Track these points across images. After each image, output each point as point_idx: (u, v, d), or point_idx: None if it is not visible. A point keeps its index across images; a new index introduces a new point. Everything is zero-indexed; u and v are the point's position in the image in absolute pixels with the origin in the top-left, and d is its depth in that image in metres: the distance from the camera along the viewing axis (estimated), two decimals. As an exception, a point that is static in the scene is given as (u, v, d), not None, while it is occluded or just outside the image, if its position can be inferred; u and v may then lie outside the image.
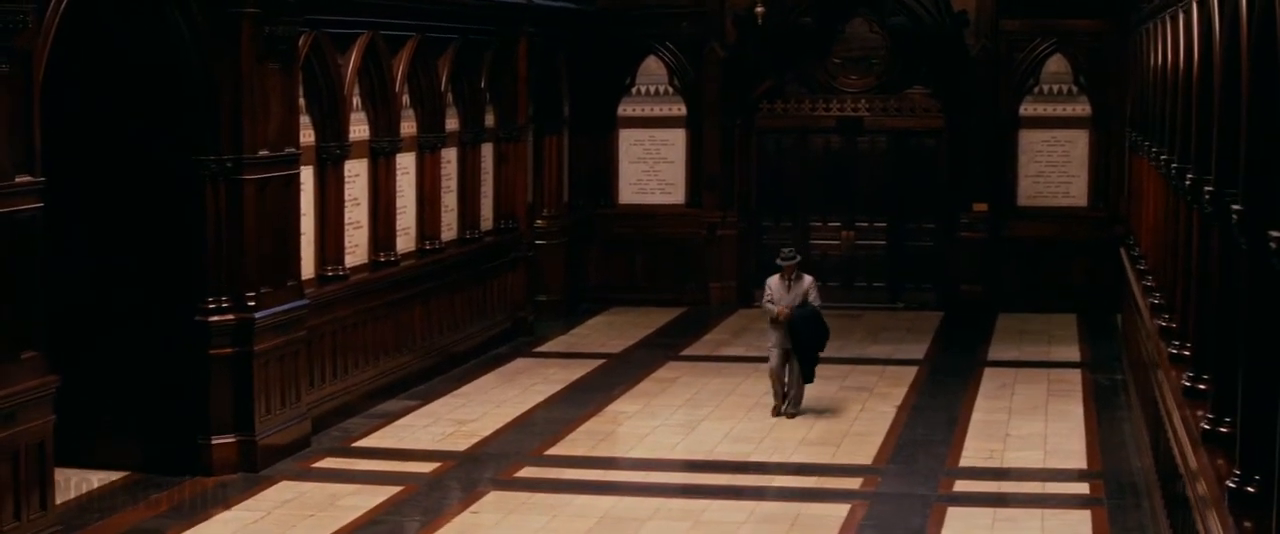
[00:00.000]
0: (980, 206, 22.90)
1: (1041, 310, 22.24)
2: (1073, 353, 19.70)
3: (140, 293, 13.77)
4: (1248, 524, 8.38)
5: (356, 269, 16.75)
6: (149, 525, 12.46)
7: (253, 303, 13.98)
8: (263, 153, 14.10)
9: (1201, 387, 10.95)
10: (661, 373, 18.81)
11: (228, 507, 13.02)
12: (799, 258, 16.30)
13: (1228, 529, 8.54)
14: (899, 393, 17.46)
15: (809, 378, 16.15)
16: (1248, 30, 7.86)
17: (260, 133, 14.05)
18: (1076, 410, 16.31)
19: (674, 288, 23.77)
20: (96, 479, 13.56)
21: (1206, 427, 10.10)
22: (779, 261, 16.17)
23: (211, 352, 13.81)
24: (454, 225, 19.47)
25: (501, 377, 18.61)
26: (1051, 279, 22.64)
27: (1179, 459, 10.81)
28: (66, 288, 13.33)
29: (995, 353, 19.86)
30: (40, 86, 11.02)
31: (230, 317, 13.90)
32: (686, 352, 20.28)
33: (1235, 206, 7.70)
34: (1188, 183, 10.22)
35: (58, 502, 11.75)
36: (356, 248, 16.87)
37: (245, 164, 13.89)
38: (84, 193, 13.59)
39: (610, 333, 21.66)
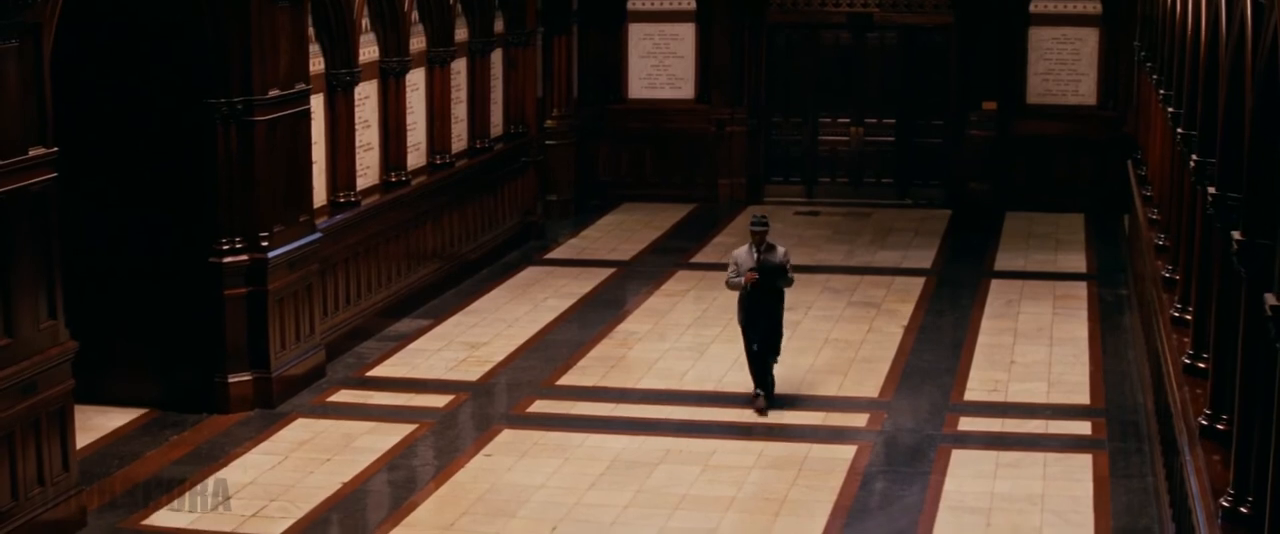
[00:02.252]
0: (989, 105, 22.91)
1: (1049, 209, 22.36)
2: (1079, 261, 19.84)
3: (156, 236, 13.92)
4: (1216, 457, 8.67)
5: (367, 191, 16.87)
6: (169, 473, 12.72)
7: (266, 243, 14.13)
8: (273, 92, 14.16)
9: (1187, 317, 11.19)
10: (671, 285, 18.98)
11: (245, 450, 13.26)
12: (769, 226, 14.25)
13: (1197, 460, 8.84)
14: (906, 310, 17.63)
15: (774, 354, 14.34)
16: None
17: (270, 73, 14.09)
18: (1081, 334, 16.47)
19: (683, 184, 23.88)
20: (116, 419, 13.83)
21: (1187, 361, 10.38)
22: (751, 227, 14.17)
23: (226, 292, 13.99)
24: (464, 136, 19.55)
25: (512, 290, 18.78)
26: (1059, 178, 22.73)
27: (1170, 398, 11.06)
28: (84, 234, 13.53)
29: (1002, 261, 20.00)
30: (50, 56, 11.06)
31: (243, 257, 14.06)
32: (696, 258, 20.43)
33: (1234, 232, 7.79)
34: (1192, 164, 10.29)
35: (78, 445, 11.98)
36: (368, 170, 16.97)
37: (256, 106, 13.96)
38: (98, 140, 13.68)
39: (620, 235, 21.79)
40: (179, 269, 13.91)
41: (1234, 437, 8.04)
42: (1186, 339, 10.89)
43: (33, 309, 10.92)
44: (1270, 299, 6.55)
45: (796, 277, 18.91)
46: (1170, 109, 12.90)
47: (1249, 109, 8.03)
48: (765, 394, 14.24)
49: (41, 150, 10.97)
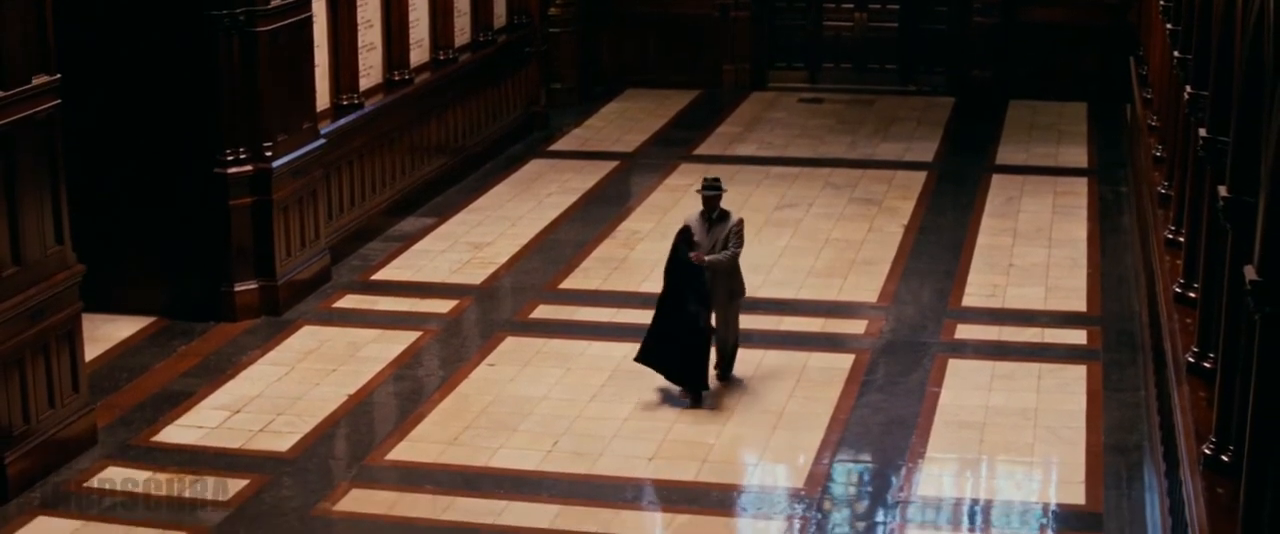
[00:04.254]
0: (994, -11, 22.84)
1: (1052, 98, 22.34)
2: (1080, 156, 19.88)
3: (162, 148, 14.03)
4: (1202, 395, 8.87)
5: (370, 92, 16.92)
6: (177, 387, 12.94)
7: (270, 152, 14.24)
8: (275, 1, 14.18)
9: (1180, 240, 11.32)
10: (674, 179, 19.07)
11: (252, 361, 13.47)
12: (725, 189, 12.76)
13: (1182, 399, 9.04)
14: (907, 208, 17.73)
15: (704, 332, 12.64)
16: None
17: (271, -19, 14.13)
18: (1080, 235, 16.58)
19: (687, 70, 23.85)
20: (125, 328, 14.03)
21: (1177, 290, 10.55)
22: (702, 191, 12.66)
23: (231, 202, 14.12)
24: (466, 30, 19.53)
25: (515, 185, 18.89)
26: (1063, 66, 22.66)
27: (1162, 324, 11.22)
28: (91, 148, 13.68)
29: (1004, 155, 20.05)
30: (53, -18, 11.12)
31: (248, 167, 14.18)
32: (699, 150, 20.50)
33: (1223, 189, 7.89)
34: (1187, 95, 10.35)
35: (88, 356, 12.20)
36: (371, 70, 17.02)
37: (258, 16, 13.99)
38: (101, 58, 13.73)
39: (624, 124, 21.84)
40: (185, 181, 14.03)
41: (1218, 383, 8.20)
42: (1179, 262, 11.02)
43: (40, 236, 11.07)
44: (1250, 272, 6.67)
45: (800, 171, 19.23)
46: (1169, 25, 12.91)
47: (1238, 58, 8.09)
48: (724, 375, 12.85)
49: (45, 78, 11.04)
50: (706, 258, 12.41)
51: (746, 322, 14.23)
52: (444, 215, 17.64)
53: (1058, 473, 11.38)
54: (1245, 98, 7.77)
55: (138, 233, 14.15)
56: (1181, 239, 11.19)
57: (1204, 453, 8.05)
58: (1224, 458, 7.88)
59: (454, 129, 18.87)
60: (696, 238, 12.49)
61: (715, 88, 23.63)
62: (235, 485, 11.18)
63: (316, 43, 15.37)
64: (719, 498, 11.06)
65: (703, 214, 12.56)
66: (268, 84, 14.20)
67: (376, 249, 16.46)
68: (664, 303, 12.55)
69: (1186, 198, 10.93)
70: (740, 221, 12.68)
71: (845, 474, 11.51)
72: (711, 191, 12.53)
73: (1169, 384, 9.99)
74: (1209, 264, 9.13)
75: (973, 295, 14.96)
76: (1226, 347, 8.02)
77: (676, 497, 11.05)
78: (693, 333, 12.40)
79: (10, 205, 10.79)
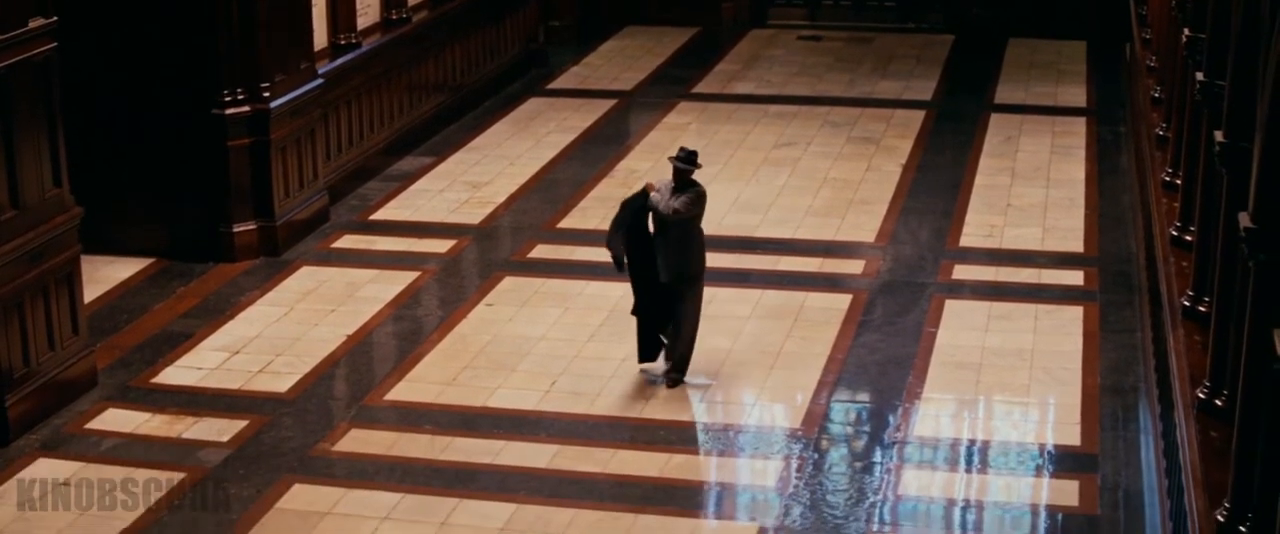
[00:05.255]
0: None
1: (1052, 36, 22.28)
2: (1079, 95, 19.85)
3: (160, 89, 14.00)
4: (1197, 338, 8.92)
5: (368, 31, 16.89)
6: (177, 328, 12.98)
7: (268, 93, 14.23)
8: (271, -59, 14.16)
9: (1177, 183, 11.34)
10: (672, 118, 19.06)
11: (251, 301, 13.50)
12: (699, 165, 11.53)
13: (1178, 342, 9.09)
14: (905, 147, 17.73)
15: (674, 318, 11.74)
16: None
17: (269, -80, 14.08)
18: (1078, 175, 16.58)
19: (686, 6, 23.76)
20: (124, 269, 14.06)
21: (1174, 232, 10.57)
22: (675, 161, 11.49)
23: (229, 143, 14.12)
24: (465, -36, 19.47)
25: (514, 123, 18.87)
26: (1063, 4, 22.58)
27: (1158, 266, 11.25)
28: (89, 89, 13.67)
29: (1002, 94, 20.02)
30: (48, -76, 11.08)
31: (246, 108, 14.16)
32: (698, 88, 20.47)
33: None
34: (1185, 37, 10.33)
35: (87, 298, 12.24)
36: (368, 9, 16.98)
37: (255, -45, 13.98)
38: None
39: (622, 62, 21.80)
40: (183, 122, 14.02)
41: (1212, 327, 8.22)
42: (1176, 205, 11.03)
43: (38, 179, 11.08)
44: (1244, 219, 6.69)
45: (799, 109, 19.20)
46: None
47: (1236, 2, 8.08)
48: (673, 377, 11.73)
49: (41, 21, 11.02)
50: (661, 206, 11.39)
51: (745, 261, 14.31)
52: (442, 154, 17.64)
53: (1053, 413, 11.43)
54: (1242, 43, 7.76)
55: (136, 174, 14.16)
56: (1178, 182, 11.18)
57: (1198, 396, 8.08)
58: (1218, 402, 7.91)
59: (452, 67, 18.84)
60: (657, 201, 11.43)
61: (714, 25, 23.57)
62: (234, 426, 11.24)
63: (314, -21, 15.35)
64: (717, 438, 11.12)
65: (671, 184, 11.49)
66: (265, 24, 14.17)
67: (375, 189, 16.47)
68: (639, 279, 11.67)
69: (1183, 141, 10.93)
70: (703, 189, 11.55)
71: (842, 414, 11.57)
72: (685, 165, 11.41)
73: (1165, 327, 10.02)
74: (1205, 208, 9.15)
75: (970, 236, 14.98)
76: (1222, 291, 8.04)
77: (674, 436, 11.11)
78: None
79: (8, 149, 10.79)
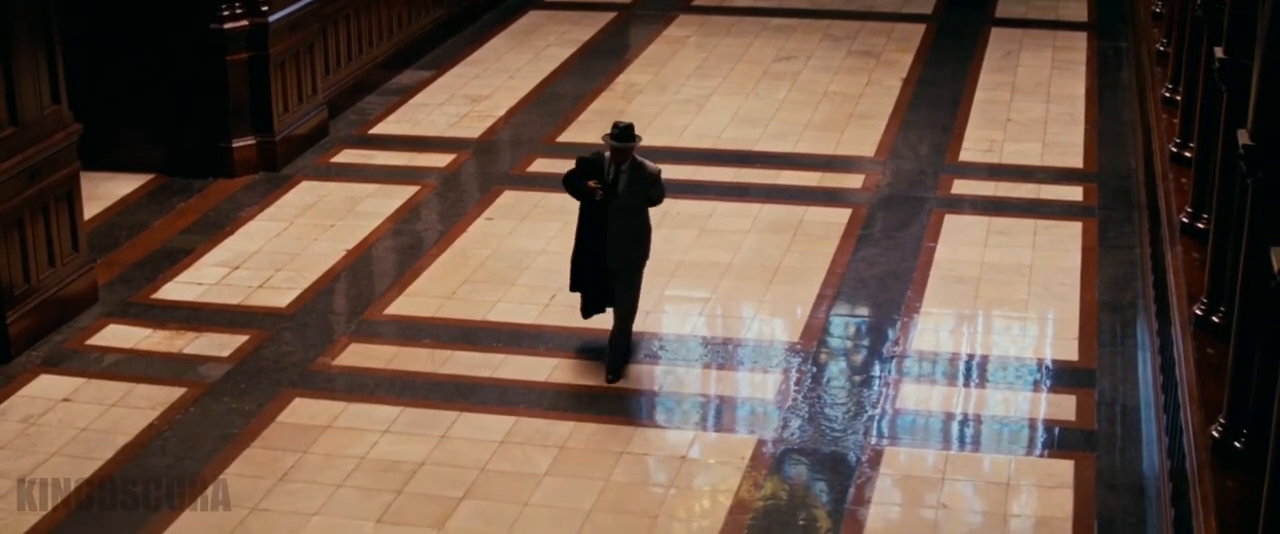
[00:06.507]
0: None
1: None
2: (1080, 9, 19.78)
3: (158, 4, 13.93)
4: (1195, 256, 8.96)
5: (367, -58, 16.82)
6: (176, 244, 12.99)
7: (266, 7, 14.17)
8: None
9: (1177, 98, 11.32)
10: (672, 30, 18.99)
11: (251, 216, 13.51)
12: (637, 140, 10.44)
13: (1176, 259, 9.13)
14: (905, 61, 17.68)
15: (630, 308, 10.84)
16: None
17: None
18: (1078, 91, 16.55)
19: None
20: (124, 185, 14.06)
21: (1173, 149, 10.57)
22: (609, 139, 10.42)
23: (228, 57, 14.07)
24: (465, -128, 19.35)
25: (513, 37, 18.80)
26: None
27: (1157, 182, 11.26)
28: (86, 5, 13.62)
29: (1003, 8, 19.94)
30: None
31: (244, 22, 14.10)
32: (697, 0, 20.37)
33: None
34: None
35: (87, 214, 12.26)
36: (366, -79, 16.89)
37: None
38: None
39: (623, -30, 21.66)
40: (181, 37, 13.96)
41: (1210, 244, 8.25)
42: (1175, 122, 11.02)
43: (36, 96, 11.05)
44: (1243, 136, 6.69)
45: (799, 22, 19.13)
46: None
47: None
48: (614, 369, 10.73)
49: (37, -66, 10.98)
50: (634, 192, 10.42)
51: (745, 175, 14.30)
52: (442, 68, 17.60)
53: (1052, 328, 11.47)
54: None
55: (135, 90, 14.12)
56: (1178, 98, 11.17)
57: (1195, 313, 8.12)
58: (1215, 319, 7.95)
59: (451, -20, 18.78)
60: (609, 178, 10.47)
61: (714, -63, 23.39)
62: (235, 341, 11.27)
63: (312, -110, 15.23)
64: (716, 351, 11.16)
65: (611, 161, 10.43)
66: (262, -64, 14.11)
67: (374, 102, 16.44)
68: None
69: (1184, 57, 10.91)
70: (658, 169, 10.63)
71: (841, 328, 11.60)
72: (621, 143, 10.31)
73: (1163, 243, 10.04)
74: (1204, 125, 9.15)
75: (970, 150, 14.96)
76: (1220, 208, 8.06)
77: (673, 350, 11.15)
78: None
79: (6, 66, 10.75)
